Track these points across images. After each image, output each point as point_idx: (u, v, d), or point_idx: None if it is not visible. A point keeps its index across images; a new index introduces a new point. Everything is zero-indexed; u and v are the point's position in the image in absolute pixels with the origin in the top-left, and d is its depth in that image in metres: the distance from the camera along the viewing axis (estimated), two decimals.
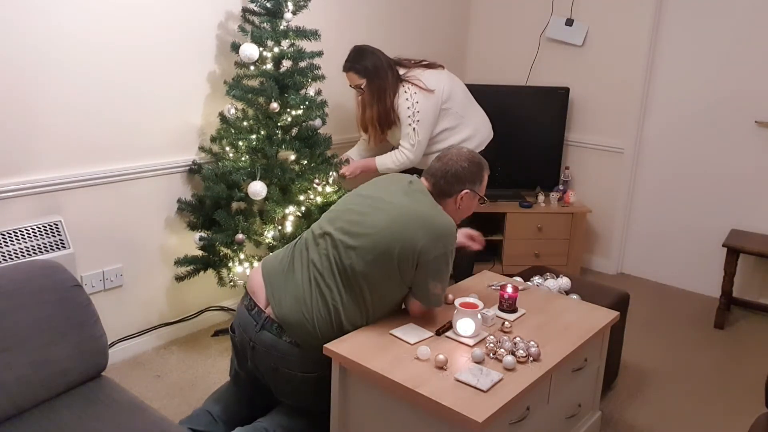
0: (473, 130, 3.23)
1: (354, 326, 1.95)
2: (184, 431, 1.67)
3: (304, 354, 1.91)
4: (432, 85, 3.03)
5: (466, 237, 2.40)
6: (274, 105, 2.64)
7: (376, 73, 2.99)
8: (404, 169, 3.08)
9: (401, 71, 3.07)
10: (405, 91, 3.01)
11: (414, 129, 3.01)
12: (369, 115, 3.05)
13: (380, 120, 3.05)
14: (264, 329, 1.94)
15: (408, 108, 3.00)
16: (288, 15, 2.70)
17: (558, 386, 1.95)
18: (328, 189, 2.84)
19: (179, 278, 2.83)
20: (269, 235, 2.67)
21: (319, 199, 2.81)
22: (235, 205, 2.82)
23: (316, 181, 2.79)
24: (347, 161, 3.18)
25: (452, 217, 2.02)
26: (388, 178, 2.14)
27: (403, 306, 2.09)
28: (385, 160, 3.13)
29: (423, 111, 3.01)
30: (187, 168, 2.87)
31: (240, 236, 2.63)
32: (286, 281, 1.98)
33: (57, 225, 2.37)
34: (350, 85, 3.08)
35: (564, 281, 2.49)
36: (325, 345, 1.87)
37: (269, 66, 2.72)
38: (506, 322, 2.02)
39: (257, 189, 2.59)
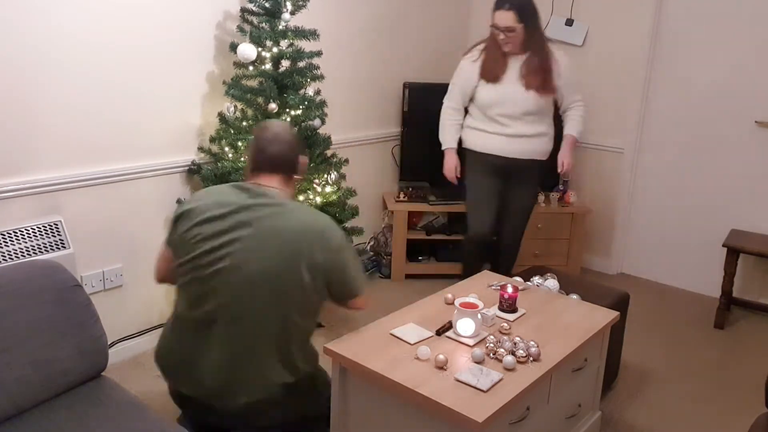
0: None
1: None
2: (183, 431, 1.67)
3: (259, 408, 1.82)
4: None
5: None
6: (272, 105, 2.64)
7: (535, 19, 2.92)
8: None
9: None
10: (557, 51, 3.01)
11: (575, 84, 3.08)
12: (536, 65, 2.93)
13: (545, 67, 2.95)
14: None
15: (568, 67, 3.04)
16: (286, 15, 2.70)
17: (558, 386, 1.95)
18: (328, 189, 2.84)
19: None
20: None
21: (318, 199, 2.81)
22: None
23: (316, 181, 2.79)
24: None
25: (293, 191, 1.94)
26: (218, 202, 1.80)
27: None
28: (578, 125, 3.12)
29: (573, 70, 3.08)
30: (187, 168, 2.87)
31: None
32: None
33: (57, 225, 2.37)
34: (494, 25, 2.90)
35: (551, 282, 2.45)
36: (325, 345, 1.87)
37: (268, 66, 2.72)
38: (506, 323, 2.02)
39: None
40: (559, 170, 3.14)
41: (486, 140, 3.09)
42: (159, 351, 1.91)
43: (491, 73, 3.00)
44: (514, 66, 2.98)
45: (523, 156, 3.08)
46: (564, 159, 3.11)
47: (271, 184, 1.84)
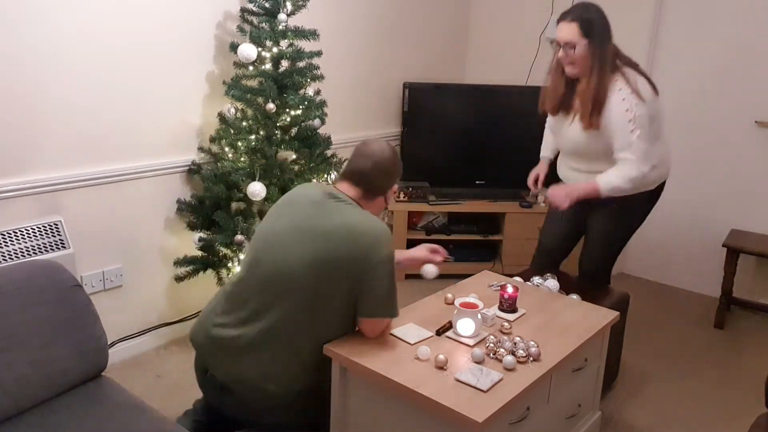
0: (661, 157, 2.59)
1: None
2: (183, 431, 1.67)
3: (270, 403, 1.86)
4: (644, 92, 2.39)
5: (429, 251, 2.24)
6: (270, 105, 2.64)
7: (602, 37, 2.39)
8: (638, 187, 2.47)
9: (620, 62, 2.45)
10: (620, 88, 2.37)
11: (638, 136, 2.35)
12: (584, 88, 2.41)
13: (596, 96, 2.38)
14: (224, 392, 1.89)
15: (626, 110, 2.35)
16: (282, 16, 2.70)
17: (558, 386, 1.95)
18: None
19: (179, 278, 2.83)
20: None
21: None
22: (234, 205, 2.82)
23: (315, 181, 2.80)
24: (537, 184, 2.73)
25: (377, 212, 1.98)
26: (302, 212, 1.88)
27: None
28: (611, 179, 2.42)
29: (641, 116, 2.35)
30: (187, 168, 2.87)
31: (239, 237, 2.63)
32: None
33: (57, 225, 2.37)
34: (554, 42, 2.49)
35: (551, 282, 2.45)
36: (325, 345, 1.87)
37: (268, 66, 2.72)
38: (506, 323, 2.02)
39: (256, 189, 2.59)
40: (530, 185, 2.82)
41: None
42: (196, 322, 1.98)
43: (552, 103, 2.59)
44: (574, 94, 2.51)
45: None
46: (558, 188, 2.51)
47: (349, 194, 1.93)
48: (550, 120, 2.71)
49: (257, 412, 1.88)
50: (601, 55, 2.39)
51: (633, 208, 2.63)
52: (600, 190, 2.44)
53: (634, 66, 2.48)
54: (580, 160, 2.61)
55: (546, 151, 2.92)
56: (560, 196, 2.48)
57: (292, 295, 1.80)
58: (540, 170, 2.91)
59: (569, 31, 2.41)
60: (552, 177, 2.82)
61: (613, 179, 2.42)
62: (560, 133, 2.63)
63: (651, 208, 2.75)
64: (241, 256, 2.71)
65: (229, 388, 1.86)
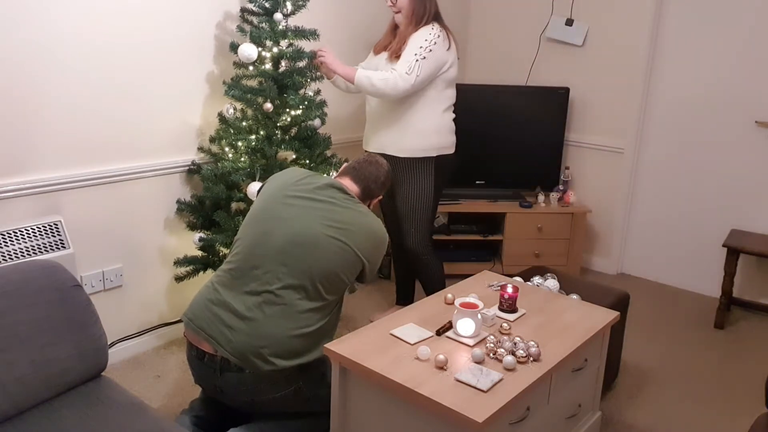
0: (443, 123, 2.93)
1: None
2: (183, 431, 1.67)
3: (272, 377, 1.90)
4: (452, 43, 2.81)
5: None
6: (268, 105, 2.64)
7: None
8: (388, 95, 2.72)
9: (441, 21, 2.84)
10: (432, 27, 2.75)
11: (417, 61, 2.69)
12: (402, 30, 2.80)
13: (407, 37, 2.76)
14: (225, 371, 1.92)
15: (424, 39, 2.71)
16: (278, 15, 2.69)
17: (558, 386, 1.95)
18: None
19: (179, 278, 2.83)
20: None
21: None
22: (234, 205, 2.82)
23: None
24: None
25: None
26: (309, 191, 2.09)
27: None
28: (370, 75, 2.73)
29: (435, 54, 2.72)
30: (187, 168, 2.87)
31: None
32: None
33: (57, 225, 2.37)
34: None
35: (551, 282, 2.46)
36: (325, 345, 1.87)
37: (268, 66, 2.72)
38: (506, 323, 2.02)
39: (257, 189, 2.59)
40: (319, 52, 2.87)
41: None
42: (190, 305, 2.04)
43: (377, 46, 2.99)
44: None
45: (385, 150, 2.93)
46: (327, 59, 2.81)
47: (351, 188, 2.17)
48: (369, 58, 3.04)
49: (258, 390, 1.90)
50: (420, 4, 2.76)
51: (421, 176, 2.93)
52: (357, 76, 2.74)
53: (450, 31, 2.86)
54: (378, 106, 2.91)
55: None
56: (329, 60, 2.82)
57: (312, 265, 1.94)
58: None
59: None
60: None
61: (372, 74, 2.72)
62: (372, 68, 2.92)
63: (442, 181, 3.01)
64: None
65: (228, 367, 1.89)
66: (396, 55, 2.78)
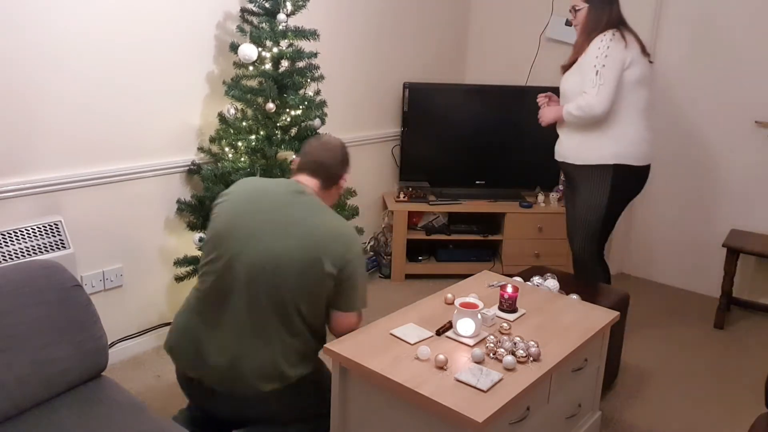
0: (629, 133, 2.72)
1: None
2: (183, 431, 1.67)
3: (262, 397, 1.87)
4: (630, 41, 2.68)
5: None
6: (270, 105, 2.64)
7: (602, 3, 2.71)
8: (592, 118, 2.66)
9: (620, 25, 2.73)
10: (603, 35, 2.66)
11: (597, 72, 2.62)
12: (577, 42, 2.77)
13: (581, 48, 2.73)
14: (214, 394, 1.89)
15: (598, 48, 2.64)
16: (281, 16, 2.70)
17: (558, 386, 1.95)
18: None
19: (179, 278, 2.83)
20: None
21: None
22: None
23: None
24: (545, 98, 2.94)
25: (334, 202, 2.09)
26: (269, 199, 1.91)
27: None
28: (571, 105, 2.72)
29: (610, 55, 2.62)
30: (187, 168, 2.87)
31: None
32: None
33: (57, 225, 2.37)
34: (570, 10, 2.82)
35: (551, 282, 2.45)
36: (325, 345, 1.87)
37: (268, 66, 2.72)
38: (506, 323, 2.02)
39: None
40: (540, 97, 2.99)
41: None
42: (170, 331, 1.99)
43: (564, 65, 2.89)
44: None
45: (561, 159, 2.91)
46: (543, 112, 2.91)
47: (309, 184, 1.98)
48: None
49: (250, 408, 1.88)
50: (597, 17, 2.70)
51: (596, 186, 2.80)
52: (564, 113, 2.76)
53: (631, 31, 2.75)
54: (564, 102, 2.83)
55: None
56: (542, 113, 2.91)
57: (280, 288, 1.81)
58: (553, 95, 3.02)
59: None
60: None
61: (570, 107, 2.72)
62: (561, 85, 2.88)
63: (621, 194, 2.82)
64: None
65: (219, 391, 1.86)
66: (567, 67, 2.80)
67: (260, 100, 2.70)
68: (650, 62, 2.76)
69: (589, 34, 2.71)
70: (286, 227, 1.84)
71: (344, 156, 2.06)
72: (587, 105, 2.64)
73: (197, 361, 1.88)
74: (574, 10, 2.77)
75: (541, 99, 3.00)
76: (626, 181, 2.78)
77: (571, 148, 2.83)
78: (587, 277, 2.92)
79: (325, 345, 1.87)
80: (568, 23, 3.98)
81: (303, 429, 2.01)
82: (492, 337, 1.90)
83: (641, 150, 2.74)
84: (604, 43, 2.63)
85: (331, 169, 2.01)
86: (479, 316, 1.92)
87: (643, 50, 2.73)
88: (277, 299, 1.81)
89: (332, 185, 2.04)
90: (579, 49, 2.74)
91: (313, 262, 1.81)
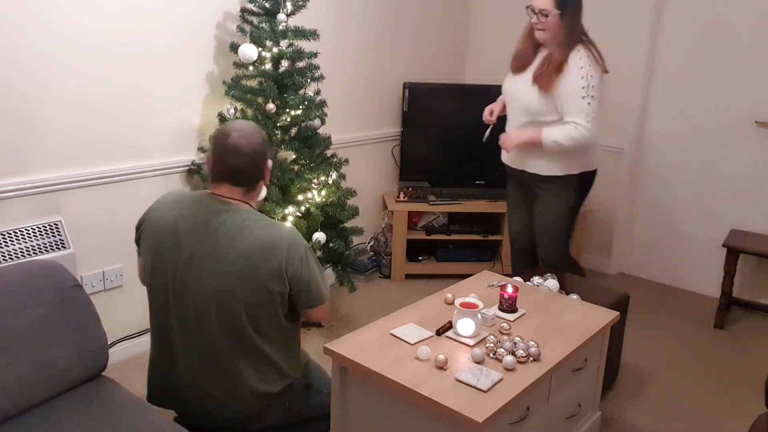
0: (595, 142, 2.73)
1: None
2: (183, 430, 1.67)
3: (253, 413, 1.86)
4: (601, 64, 2.63)
5: None
6: (270, 106, 2.64)
7: (574, 10, 2.59)
8: (578, 147, 2.64)
9: (586, 38, 2.66)
10: (580, 57, 2.57)
11: (589, 103, 2.57)
12: (550, 55, 2.61)
13: (560, 65, 2.57)
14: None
15: (582, 77, 2.55)
16: (281, 16, 2.70)
17: (558, 386, 1.95)
18: (324, 192, 2.84)
19: None
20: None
21: (318, 199, 2.81)
22: None
23: (315, 181, 2.79)
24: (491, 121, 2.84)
25: (259, 196, 1.88)
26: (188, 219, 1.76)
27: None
28: (555, 134, 2.62)
29: (597, 86, 2.58)
30: (187, 168, 2.87)
31: None
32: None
33: (57, 225, 2.37)
34: (530, 7, 2.64)
35: (551, 282, 2.45)
36: (325, 345, 1.87)
37: (268, 66, 2.72)
38: (506, 323, 2.02)
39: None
40: (485, 116, 2.91)
41: None
42: (148, 380, 1.93)
43: (516, 62, 2.78)
44: (540, 59, 2.69)
45: (521, 167, 2.85)
46: (508, 137, 2.77)
47: (234, 196, 1.77)
48: (507, 78, 2.86)
49: (245, 424, 1.87)
50: (570, 27, 2.59)
51: (562, 195, 2.81)
52: (543, 140, 2.65)
53: (595, 46, 2.68)
54: (527, 119, 2.74)
55: (498, 106, 3.00)
56: (508, 138, 2.77)
57: (230, 318, 1.72)
58: (495, 105, 2.97)
59: (545, 0, 2.58)
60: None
61: (556, 135, 2.63)
62: (513, 90, 2.78)
63: (582, 197, 2.89)
64: None
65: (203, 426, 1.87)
66: (545, 85, 2.61)
67: (260, 100, 2.70)
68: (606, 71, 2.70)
69: (560, 44, 2.59)
70: (219, 257, 1.70)
71: (258, 152, 1.78)
72: (582, 137, 2.59)
73: (178, 405, 1.87)
74: (541, 13, 2.59)
75: (488, 118, 2.91)
76: (586, 185, 2.86)
77: (537, 162, 2.77)
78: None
79: (325, 345, 1.87)
80: None
81: (310, 429, 2.02)
82: (492, 337, 1.90)
83: (596, 155, 2.84)
84: (585, 69, 2.56)
85: (251, 173, 1.78)
86: (479, 316, 1.92)
87: (604, 66, 2.67)
88: (231, 327, 1.73)
89: (256, 185, 1.83)
90: (550, 61, 2.60)
91: (255, 284, 1.70)
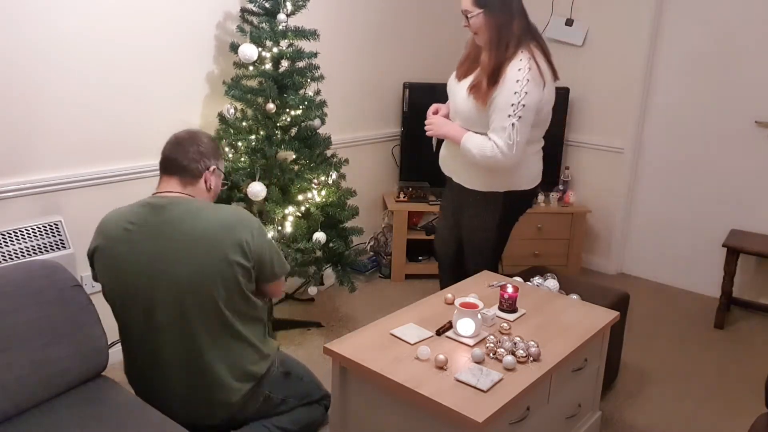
0: (530, 163, 2.53)
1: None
2: (183, 430, 1.67)
3: (236, 405, 1.89)
4: (546, 78, 2.38)
5: None
6: (270, 105, 2.64)
7: (499, 9, 2.33)
8: (491, 168, 2.42)
9: (530, 40, 2.41)
10: (519, 68, 2.29)
11: (513, 124, 2.29)
12: (485, 60, 2.38)
13: (492, 71, 2.32)
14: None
15: (515, 93, 2.28)
16: (281, 16, 2.70)
17: (558, 386, 1.95)
18: (324, 192, 2.84)
19: None
20: (269, 235, 2.66)
21: (318, 199, 2.81)
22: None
23: (315, 181, 2.79)
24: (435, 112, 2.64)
25: (213, 198, 1.95)
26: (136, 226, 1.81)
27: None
28: (473, 143, 2.40)
29: (528, 104, 2.30)
30: None
31: None
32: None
33: (57, 225, 2.37)
34: (462, 10, 2.44)
35: (551, 282, 2.46)
36: (325, 345, 1.87)
37: (268, 66, 2.72)
38: (506, 323, 2.02)
39: (257, 190, 2.59)
40: (429, 113, 2.68)
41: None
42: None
43: (460, 67, 2.59)
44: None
45: (453, 177, 2.66)
46: (437, 123, 2.58)
47: (174, 189, 1.84)
48: (451, 79, 2.66)
49: (232, 416, 1.91)
50: (499, 27, 2.33)
51: (485, 212, 2.60)
52: (461, 142, 2.43)
53: (544, 49, 2.45)
54: (464, 126, 2.50)
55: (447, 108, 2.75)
56: (436, 124, 2.58)
57: (201, 308, 1.77)
58: (443, 105, 2.71)
59: (465, 0, 2.39)
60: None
61: (473, 144, 2.39)
62: (453, 96, 2.57)
63: (510, 216, 2.65)
64: None
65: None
66: (481, 97, 2.36)
67: (260, 100, 2.70)
68: (557, 79, 2.48)
69: (492, 46, 2.35)
70: (179, 248, 1.74)
71: (198, 146, 1.85)
72: (493, 158, 2.34)
73: (165, 409, 1.87)
74: (465, 14, 2.41)
75: (431, 117, 2.69)
76: (515, 204, 2.61)
77: (459, 170, 2.61)
78: None
79: (325, 345, 1.87)
80: (569, 23, 3.99)
81: (303, 414, 2.04)
82: (492, 337, 1.90)
83: (531, 173, 2.57)
84: (520, 84, 2.28)
85: (188, 164, 1.83)
86: (479, 316, 1.92)
87: (554, 74, 2.46)
88: (209, 313, 1.77)
89: (195, 180, 1.86)
90: (487, 67, 2.36)
91: (223, 257, 1.73)
